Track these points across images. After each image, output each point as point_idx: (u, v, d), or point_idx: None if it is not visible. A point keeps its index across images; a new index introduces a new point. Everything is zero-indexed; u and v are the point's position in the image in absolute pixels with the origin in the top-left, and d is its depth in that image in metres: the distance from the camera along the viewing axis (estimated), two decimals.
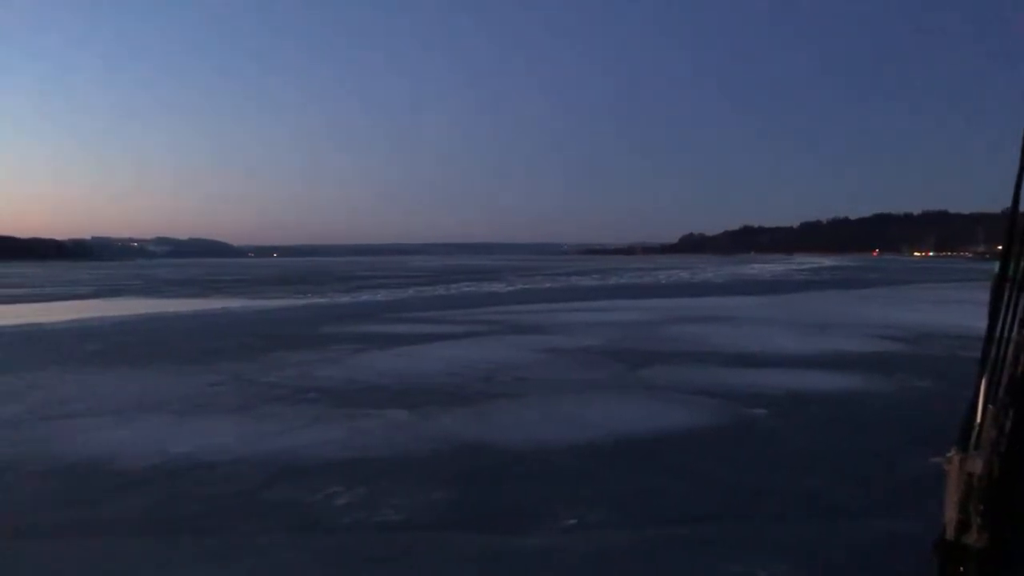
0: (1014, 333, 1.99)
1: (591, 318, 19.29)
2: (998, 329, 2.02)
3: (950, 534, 1.97)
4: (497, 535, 4.54)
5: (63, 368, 11.27)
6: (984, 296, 2.16)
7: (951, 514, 1.97)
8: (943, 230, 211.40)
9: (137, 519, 4.89)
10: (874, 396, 8.83)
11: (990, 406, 1.96)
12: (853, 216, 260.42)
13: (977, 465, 1.93)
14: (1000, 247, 2.13)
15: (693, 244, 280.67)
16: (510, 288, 37.79)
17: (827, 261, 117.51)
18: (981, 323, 2.08)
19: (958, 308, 22.31)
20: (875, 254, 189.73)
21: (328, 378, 10.09)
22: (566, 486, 5.50)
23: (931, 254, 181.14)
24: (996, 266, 2.08)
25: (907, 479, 5.55)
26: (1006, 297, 2.03)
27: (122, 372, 10.88)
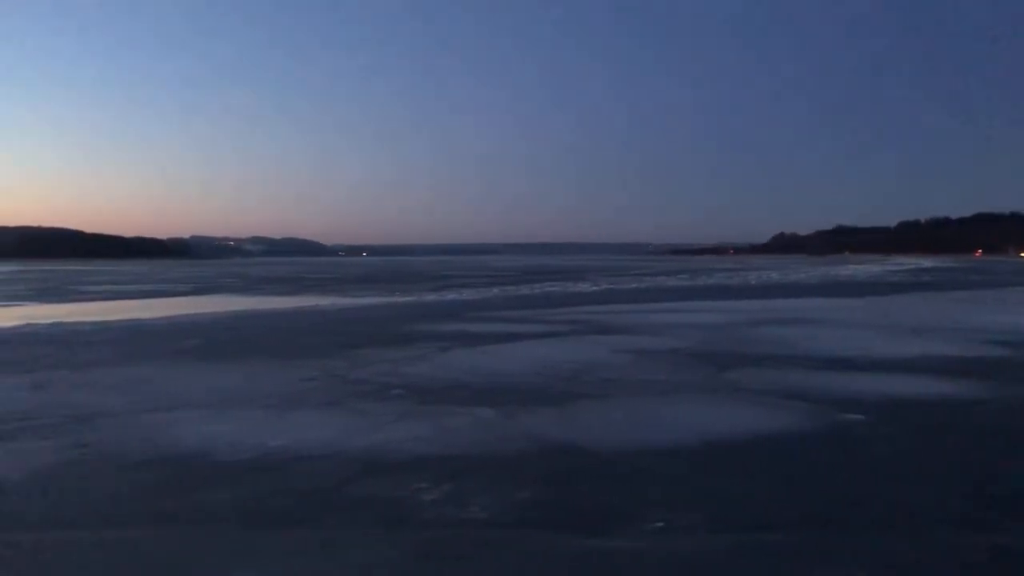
0: None
1: (678, 319, 19.03)
2: None
3: None
4: (583, 536, 4.51)
5: (163, 362, 11.73)
6: None
7: None
8: None
9: (232, 510, 5.04)
10: (978, 403, 8.43)
11: None
12: (954, 215, 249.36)
13: None
14: None
15: (784, 244, 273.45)
16: (595, 288, 37.59)
17: (926, 262, 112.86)
18: None
19: None
20: (978, 255, 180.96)
21: (414, 375, 10.22)
22: (653, 488, 5.43)
23: None
24: None
25: (1014, 491, 5.28)
26: None
27: (219, 367, 11.27)
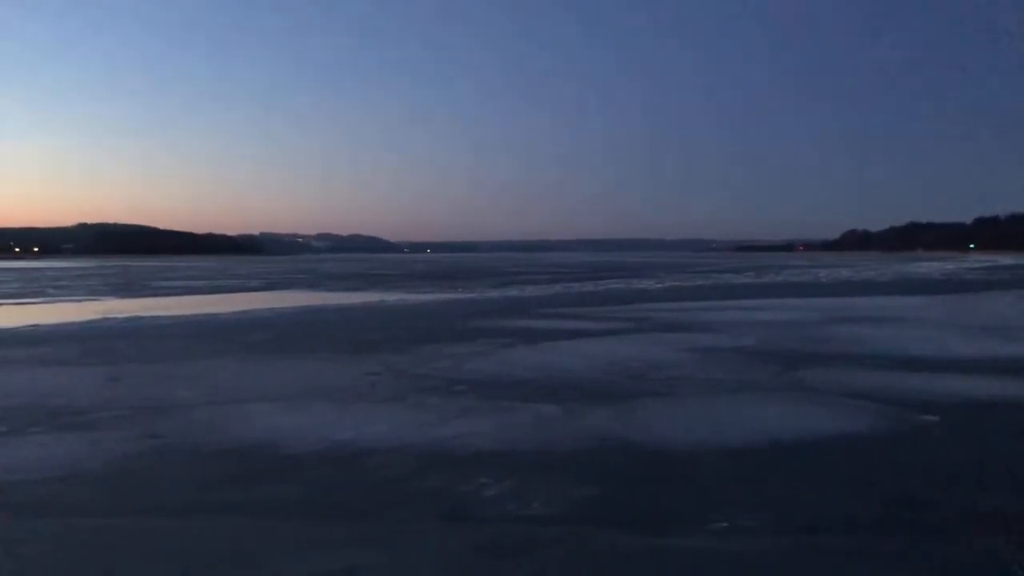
0: None
1: (745, 317, 18.72)
2: None
3: None
4: (646, 535, 4.47)
5: (233, 356, 12.02)
6: None
7: None
8: None
9: (298, 501, 5.13)
10: None
11: None
12: None
13: None
14: None
15: (856, 241, 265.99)
16: (660, 285, 37.24)
17: (1006, 259, 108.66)
18: None
19: None
20: None
21: (477, 371, 10.27)
22: (717, 488, 5.35)
23: None
24: None
25: None
26: None
27: (286, 361, 11.49)
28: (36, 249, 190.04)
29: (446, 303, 25.37)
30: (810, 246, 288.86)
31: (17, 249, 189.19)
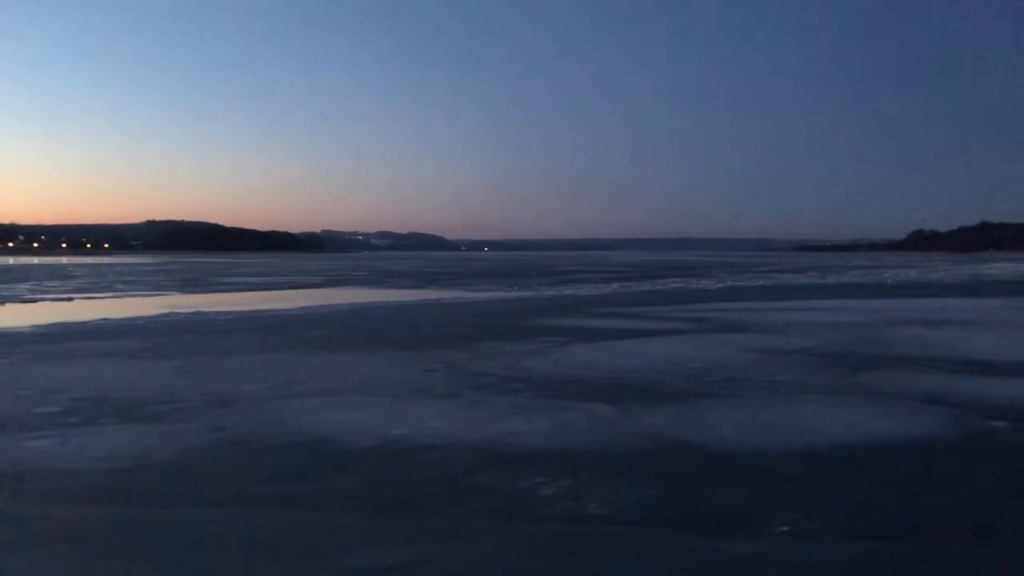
0: None
1: (807, 318, 18.35)
2: None
3: None
4: (705, 537, 4.41)
5: (295, 351, 12.22)
6: None
7: None
8: None
9: (357, 495, 5.20)
10: None
11: None
12: None
13: None
14: None
15: (923, 241, 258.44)
16: (719, 285, 36.74)
17: None
18: None
19: None
20: None
21: (534, 369, 10.26)
22: (779, 492, 5.25)
23: None
24: None
25: None
26: None
27: (346, 356, 11.65)
28: (107, 245, 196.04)
29: (503, 301, 25.43)
30: (874, 246, 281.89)
31: (89, 245, 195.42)
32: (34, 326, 16.08)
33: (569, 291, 31.77)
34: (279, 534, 4.48)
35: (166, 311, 20.28)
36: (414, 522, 4.67)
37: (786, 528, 4.53)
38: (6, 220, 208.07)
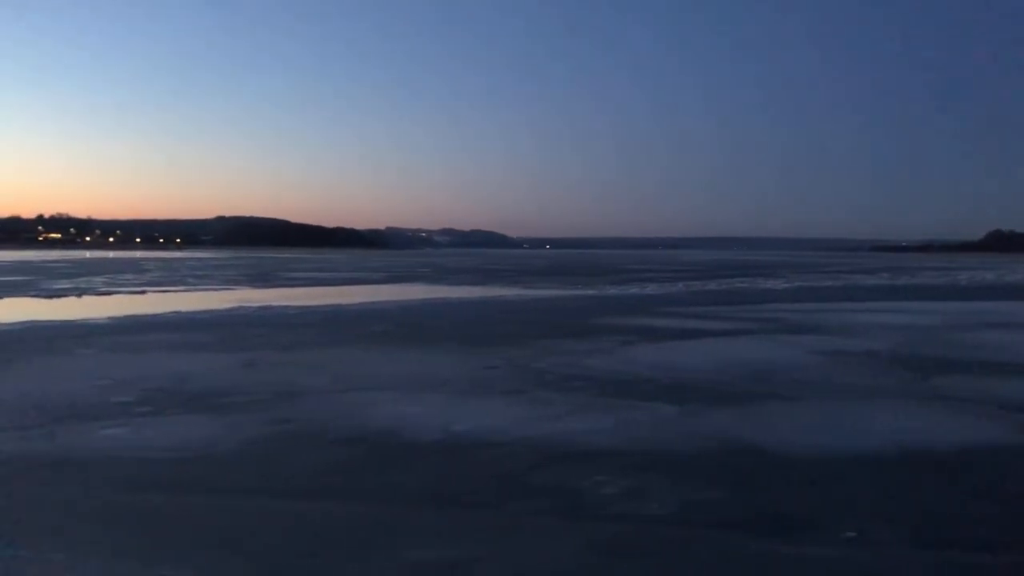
0: None
1: (877, 319, 17.88)
2: None
3: None
4: (770, 540, 4.32)
5: (359, 346, 12.39)
6: None
7: None
8: None
9: (418, 490, 5.23)
10: None
11: None
12: None
13: None
14: None
15: (1002, 242, 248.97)
16: (787, 285, 36.05)
17: None
18: None
19: None
20: None
21: (596, 368, 10.20)
22: (846, 496, 5.12)
23: None
24: None
25: None
26: None
27: (409, 352, 11.76)
28: (178, 240, 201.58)
29: (565, 299, 25.38)
30: (950, 247, 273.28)
31: (161, 240, 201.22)
32: (110, 318, 16.62)
33: (634, 290, 31.54)
34: (340, 526, 4.54)
35: (235, 305, 20.76)
36: (474, 518, 4.68)
37: (853, 534, 4.41)
38: (84, 215, 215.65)
